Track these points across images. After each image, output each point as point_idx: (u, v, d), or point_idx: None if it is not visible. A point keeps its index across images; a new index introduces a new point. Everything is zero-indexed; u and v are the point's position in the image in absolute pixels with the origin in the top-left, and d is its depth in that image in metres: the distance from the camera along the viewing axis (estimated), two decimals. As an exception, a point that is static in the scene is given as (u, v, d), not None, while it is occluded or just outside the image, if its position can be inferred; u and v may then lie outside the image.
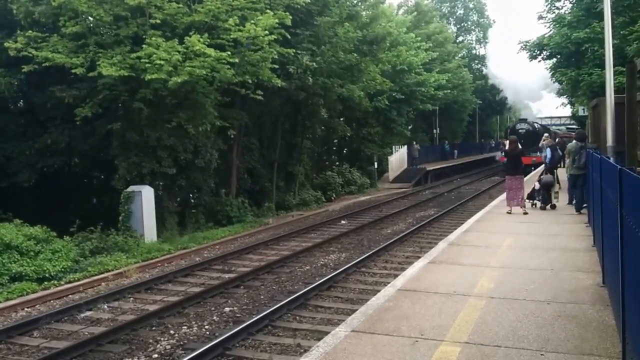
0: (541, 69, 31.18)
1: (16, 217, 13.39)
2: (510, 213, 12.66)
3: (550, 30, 21.57)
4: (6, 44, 14.47)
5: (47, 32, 15.16)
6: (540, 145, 22.75)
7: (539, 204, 13.59)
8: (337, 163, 31.46)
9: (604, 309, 5.66)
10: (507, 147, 13.46)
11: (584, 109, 27.34)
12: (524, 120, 38.52)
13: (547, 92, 40.65)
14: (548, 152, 14.42)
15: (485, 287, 6.64)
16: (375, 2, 25.69)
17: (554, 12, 22.30)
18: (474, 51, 60.17)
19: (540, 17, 22.42)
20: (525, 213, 12.66)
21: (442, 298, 6.23)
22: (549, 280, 6.87)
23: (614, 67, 12.29)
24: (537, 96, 53.20)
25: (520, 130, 34.25)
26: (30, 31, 14.69)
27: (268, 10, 15.91)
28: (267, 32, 15.47)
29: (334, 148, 34.01)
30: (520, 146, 14.13)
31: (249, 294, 10.23)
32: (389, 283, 7.50)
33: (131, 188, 15.15)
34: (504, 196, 16.41)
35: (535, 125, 37.83)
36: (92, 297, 10.05)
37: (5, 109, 17.50)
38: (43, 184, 17.63)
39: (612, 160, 10.28)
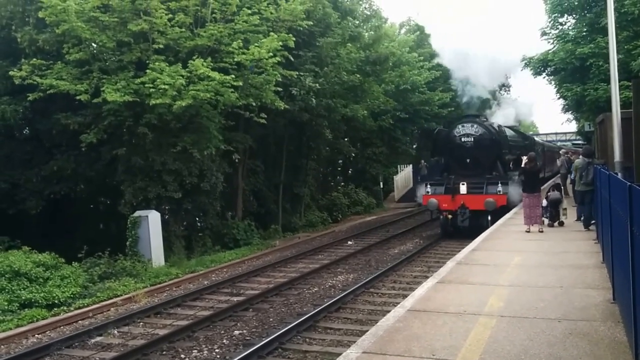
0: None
1: (24, 244, 13.48)
2: (529, 232, 12.52)
3: (554, 46, 21.61)
4: (11, 72, 14.63)
5: (51, 59, 15.31)
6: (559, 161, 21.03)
7: (546, 221, 13.47)
8: (342, 183, 31.44)
9: (616, 325, 5.57)
10: (524, 164, 13.31)
11: (590, 125, 27.13)
12: (474, 119, 19.35)
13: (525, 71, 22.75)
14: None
15: (495, 306, 6.57)
16: (378, 24, 25.89)
17: (557, 28, 22.35)
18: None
19: (544, 33, 22.47)
20: (541, 231, 12.53)
21: (452, 318, 6.16)
22: (559, 298, 6.78)
23: (619, 81, 12.28)
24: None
25: (463, 140, 18.47)
26: (34, 59, 14.83)
27: (272, 33, 16.06)
28: (270, 54, 15.60)
29: (339, 168, 34.01)
30: (538, 164, 14.12)
31: (258, 317, 10.17)
32: (398, 303, 7.43)
33: (138, 213, 15.17)
34: (510, 214, 16.34)
35: (496, 127, 19.45)
36: (102, 323, 10.05)
37: (11, 136, 17.62)
38: (50, 211, 17.67)
39: (620, 176, 10.23)
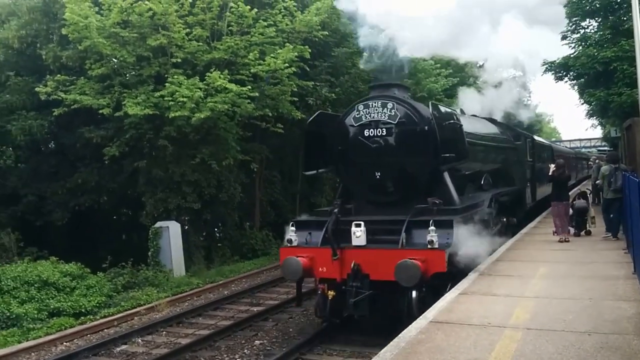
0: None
1: (51, 254, 13.95)
2: (562, 241, 12.23)
3: (575, 51, 21.18)
4: (37, 89, 15.02)
5: (74, 75, 15.64)
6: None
7: (572, 230, 13.16)
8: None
9: (649, 338, 5.40)
10: (551, 172, 13.00)
11: (616, 130, 26.44)
12: (388, 89, 10.06)
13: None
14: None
15: (521, 318, 6.42)
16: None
17: (579, 32, 21.89)
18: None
19: (564, 37, 22.03)
20: (567, 240, 12.26)
21: (476, 330, 6.04)
22: (587, 310, 6.60)
23: (645, 85, 11.98)
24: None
25: (367, 134, 9.51)
26: (58, 75, 15.24)
27: (287, 44, 16.14)
28: (286, 65, 15.68)
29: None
30: (566, 172, 13.15)
31: (277, 327, 10.19)
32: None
33: (159, 224, 15.32)
34: (534, 224, 16.03)
35: (443, 111, 9.75)
36: (126, 331, 10.28)
37: (37, 150, 18.04)
38: (75, 222, 17.98)
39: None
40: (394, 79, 11.33)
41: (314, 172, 10.96)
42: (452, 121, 9.43)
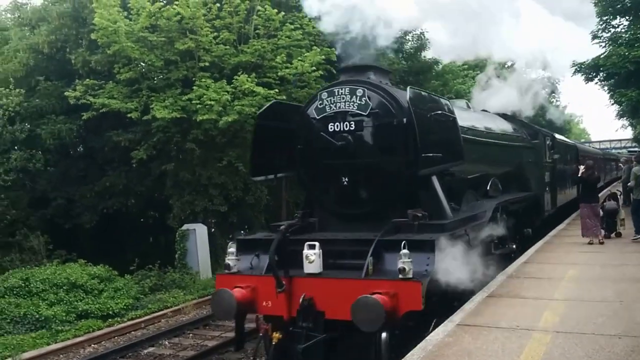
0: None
1: (80, 257, 14.13)
2: (591, 243, 12.00)
3: (606, 50, 20.74)
4: (66, 93, 15.38)
5: (103, 79, 15.96)
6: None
7: (602, 232, 12.89)
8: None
9: (684, 343, 5.25)
10: (580, 174, 12.76)
11: (648, 131, 25.89)
12: (362, 73, 8.02)
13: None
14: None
15: (550, 321, 6.31)
16: (419, 33, 25.70)
17: (609, 31, 21.45)
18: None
19: (595, 37, 21.60)
20: (602, 242, 12.01)
21: (504, 333, 5.95)
22: (619, 313, 6.45)
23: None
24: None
25: (331, 128, 7.44)
26: (87, 79, 15.54)
27: (314, 47, 16.17)
28: (313, 68, 15.71)
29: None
30: (596, 173, 12.66)
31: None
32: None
33: (185, 226, 15.48)
34: (562, 226, 15.73)
35: (431, 98, 7.88)
36: (153, 334, 10.41)
37: (66, 154, 18.39)
38: (103, 225, 18.26)
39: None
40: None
41: (264, 178, 8.82)
42: (439, 112, 7.42)
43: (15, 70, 16.89)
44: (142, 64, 15.60)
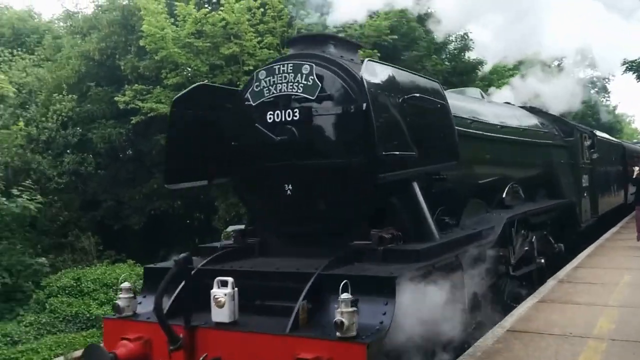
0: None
1: (128, 257, 14.41)
2: None
3: (657, 47, 19.95)
4: (116, 98, 15.86)
5: (150, 84, 16.32)
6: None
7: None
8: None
9: None
10: (635, 175, 12.33)
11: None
12: (314, 45, 5.95)
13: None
14: None
15: (605, 328, 6.10)
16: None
17: None
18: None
19: None
20: None
21: (557, 340, 5.78)
22: (679, 321, 6.19)
23: None
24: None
25: (270, 118, 5.48)
26: (136, 84, 15.96)
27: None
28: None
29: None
30: None
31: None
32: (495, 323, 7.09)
33: (230, 228, 15.49)
34: (616, 229, 15.22)
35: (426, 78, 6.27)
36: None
37: (116, 157, 18.94)
38: (150, 226, 18.71)
39: None
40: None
41: (189, 184, 6.39)
42: (417, 95, 5.54)
43: (67, 76, 17.55)
44: (188, 69, 15.90)
